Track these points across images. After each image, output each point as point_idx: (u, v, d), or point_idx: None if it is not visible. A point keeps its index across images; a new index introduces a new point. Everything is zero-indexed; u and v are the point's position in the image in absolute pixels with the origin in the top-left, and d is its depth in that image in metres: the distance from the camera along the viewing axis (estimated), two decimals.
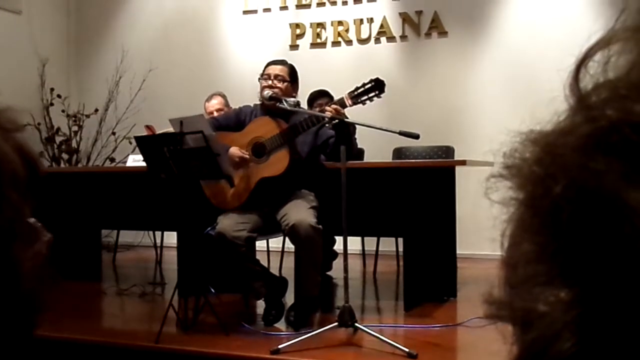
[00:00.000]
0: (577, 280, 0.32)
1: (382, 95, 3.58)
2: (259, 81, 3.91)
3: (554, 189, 0.33)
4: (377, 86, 3.56)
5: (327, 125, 3.73)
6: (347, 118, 3.55)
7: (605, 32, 0.36)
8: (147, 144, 3.68)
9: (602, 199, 0.31)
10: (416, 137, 3.30)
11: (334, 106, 3.55)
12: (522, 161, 0.36)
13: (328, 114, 3.53)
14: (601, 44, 0.36)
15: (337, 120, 3.48)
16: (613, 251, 0.31)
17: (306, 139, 3.81)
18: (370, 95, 3.56)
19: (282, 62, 3.96)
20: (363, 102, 3.57)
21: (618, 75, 0.34)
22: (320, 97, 5.35)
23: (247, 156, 3.75)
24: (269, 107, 3.83)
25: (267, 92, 3.77)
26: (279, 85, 3.82)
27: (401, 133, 3.27)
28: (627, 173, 0.31)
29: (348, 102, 3.56)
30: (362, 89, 3.57)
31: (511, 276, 0.35)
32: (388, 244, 5.50)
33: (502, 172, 0.38)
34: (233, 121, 3.94)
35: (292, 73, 3.92)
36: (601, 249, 0.31)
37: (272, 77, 3.84)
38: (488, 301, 0.37)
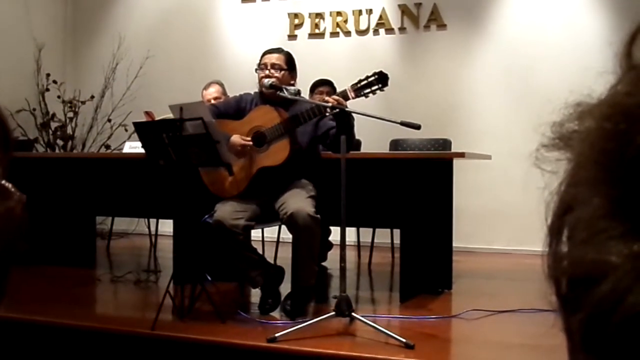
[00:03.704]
0: None
1: (385, 89, 3.56)
2: (256, 72, 3.89)
3: (635, 138, 0.33)
4: (381, 79, 3.54)
5: (327, 115, 3.72)
6: (348, 108, 3.53)
7: None
8: (146, 130, 3.66)
9: None
10: (417, 127, 3.29)
11: (335, 97, 3.54)
12: (586, 123, 0.37)
13: (330, 104, 3.52)
14: None
15: (338, 110, 3.47)
16: None
17: (306, 129, 3.80)
18: (374, 88, 3.54)
19: (278, 50, 3.93)
20: (366, 95, 3.56)
21: None
22: (321, 85, 5.34)
23: (249, 144, 3.73)
24: (269, 96, 3.81)
25: (268, 81, 3.76)
26: (277, 74, 3.80)
27: (402, 123, 3.27)
28: None
29: (351, 94, 3.54)
30: (365, 82, 3.55)
31: (581, 232, 0.35)
32: (383, 236, 5.51)
33: (554, 141, 0.39)
34: (233, 109, 3.92)
35: (289, 60, 3.90)
36: None
37: (268, 67, 3.82)
38: (555, 257, 0.37)
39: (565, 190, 0.37)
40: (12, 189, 0.59)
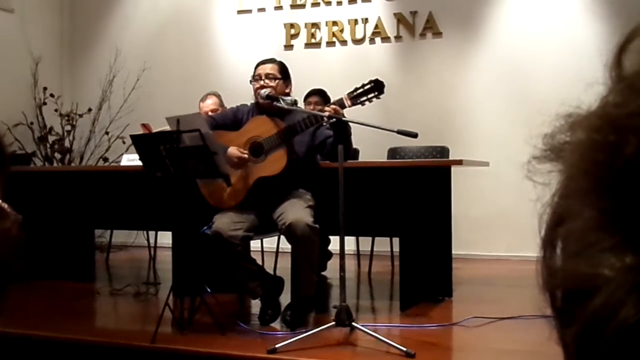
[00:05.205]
0: None
1: (381, 97, 3.56)
2: (250, 83, 3.90)
3: (624, 149, 0.33)
4: (377, 87, 3.54)
5: (324, 124, 3.72)
6: (345, 117, 3.53)
7: None
8: (143, 142, 3.66)
9: None
10: (414, 135, 3.29)
11: (332, 106, 3.54)
12: (577, 134, 0.37)
13: (326, 113, 3.52)
14: (637, 32, 0.37)
15: (335, 120, 3.47)
16: None
17: (303, 139, 3.79)
18: (370, 96, 3.54)
19: (271, 61, 3.94)
20: (362, 103, 3.55)
21: None
22: (310, 95, 5.35)
23: (246, 156, 3.73)
24: (265, 106, 3.81)
25: (265, 91, 3.76)
26: (271, 83, 3.80)
27: (399, 132, 3.27)
28: None
29: (347, 102, 3.54)
30: (361, 90, 3.55)
31: (573, 245, 0.35)
32: (382, 245, 5.50)
33: (545, 153, 0.39)
34: (230, 120, 3.92)
35: (283, 70, 3.90)
36: None
37: (262, 77, 3.83)
38: (549, 270, 0.37)
39: (557, 202, 0.37)
40: (8, 209, 0.59)
